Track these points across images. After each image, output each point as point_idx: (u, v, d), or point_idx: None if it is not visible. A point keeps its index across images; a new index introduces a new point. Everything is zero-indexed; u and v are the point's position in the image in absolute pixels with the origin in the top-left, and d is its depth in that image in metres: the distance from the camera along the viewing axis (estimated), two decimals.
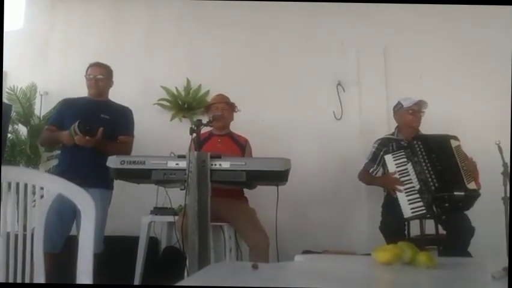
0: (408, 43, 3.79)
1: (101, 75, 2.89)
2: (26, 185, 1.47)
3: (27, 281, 1.43)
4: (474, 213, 2.82)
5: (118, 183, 2.77)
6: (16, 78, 3.71)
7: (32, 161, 3.65)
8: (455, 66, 3.72)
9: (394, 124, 3.19)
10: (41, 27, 4.07)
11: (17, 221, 1.47)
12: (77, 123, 2.60)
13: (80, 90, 2.97)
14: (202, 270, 1.46)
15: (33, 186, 1.48)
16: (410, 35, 3.79)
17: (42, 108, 3.82)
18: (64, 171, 2.70)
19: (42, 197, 1.49)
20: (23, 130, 3.72)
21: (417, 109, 3.04)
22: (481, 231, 2.79)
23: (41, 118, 3.76)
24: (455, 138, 2.94)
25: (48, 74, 3.93)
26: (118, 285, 2.24)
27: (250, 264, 1.16)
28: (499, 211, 2.95)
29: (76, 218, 2.50)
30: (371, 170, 3.06)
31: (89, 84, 2.89)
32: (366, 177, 3.10)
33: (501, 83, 3.58)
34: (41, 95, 3.83)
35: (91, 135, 2.60)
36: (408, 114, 3.04)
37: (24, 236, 1.44)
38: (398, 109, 3.12)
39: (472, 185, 2.78)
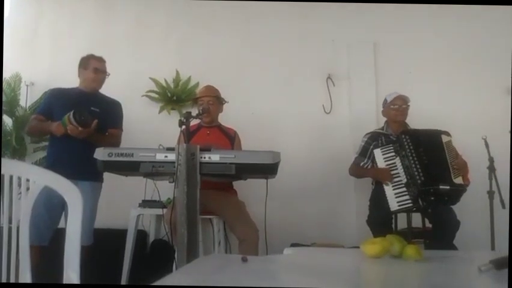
0: (398, 39, 3.80)
1: (104, 71, 2.84)
2: (11, 177, 1.44)
3: (12, 274, 1.41)
4: (460, 207, 2.85)
5: (106, 176, 2.74)
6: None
7: (18, 153, 3.60)
8: (444, 62, 3.74)
9: (383, 118, 3.20)
10: (28, 17, 3.98)
11: (2, 214, 1.45)
12: (71, 114, 2.54)
13: (68, 81, 2.91)
14: (191, 263, 1.46)
15: (19, 178, 1.45)
16: (400, 31, 3.80)
17: (28, 98, 3.75)
18: (53, 163, 2.66)
19: (28, 189, 1.46)
20: (7, 121, 3.65)
21: (400, 103, 3.04)
22: (467, 225, 2.84)
23: (27, 109, 3.70)
24: (447, 133, 2.95)
25: (34, 64, 3.86)
26: (115, 285, 2.23)
27: (239, 257, 1.16)
28: (484, 205, 3.01)
29: (65, 210, 2.46)
30: (362, 163, 3.07)
31: (94, 77, 2.80)
32: (357, 170, 3.11)
33: (489, 79, 3.65)
34: (27, 86, 3.77)
35: (85, 126, 2.56)
36: (392, 110, 3.06)
37: (10, 229, 1.41)
38: (384, 104, 3.14)
39: (458, 180, 2.78)
